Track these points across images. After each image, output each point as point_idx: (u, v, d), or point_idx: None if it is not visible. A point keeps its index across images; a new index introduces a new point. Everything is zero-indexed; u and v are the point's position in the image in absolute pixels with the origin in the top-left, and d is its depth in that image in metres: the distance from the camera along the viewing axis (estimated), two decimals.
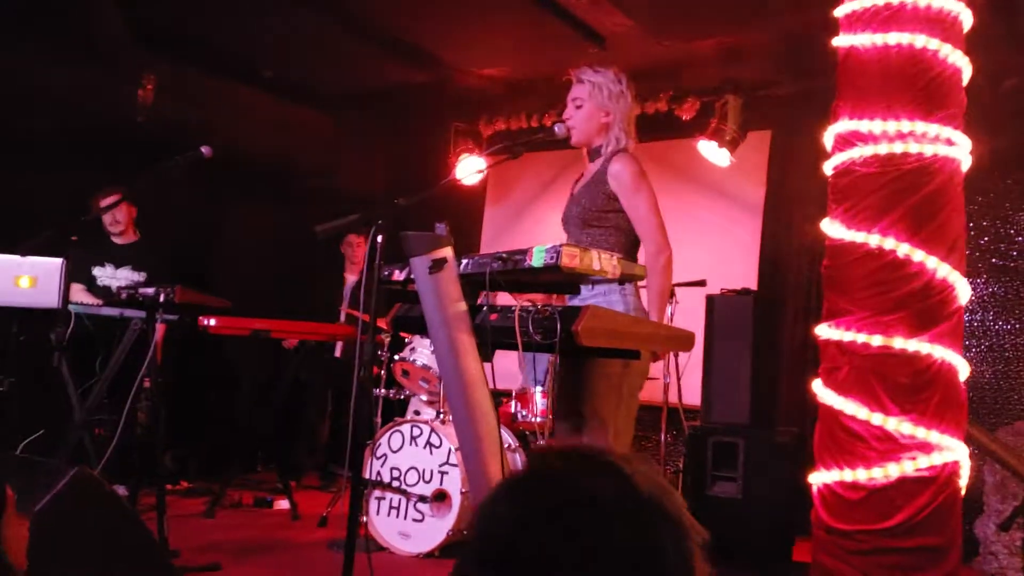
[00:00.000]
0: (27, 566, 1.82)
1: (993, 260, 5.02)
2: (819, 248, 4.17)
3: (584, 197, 3.03)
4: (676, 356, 5.00)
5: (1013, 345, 4.96)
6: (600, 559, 0.89)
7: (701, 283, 4.90)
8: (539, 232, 6.17)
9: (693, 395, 5.04)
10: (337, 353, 6.01)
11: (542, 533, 0.91)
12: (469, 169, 5.74)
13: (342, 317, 5.97)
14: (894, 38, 2.51)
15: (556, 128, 3.09)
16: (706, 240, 5.71)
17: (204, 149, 3.79)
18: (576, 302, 2.97)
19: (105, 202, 4.86)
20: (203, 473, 5.89)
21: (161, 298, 3.87)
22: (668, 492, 0.96)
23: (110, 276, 5.02)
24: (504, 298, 2.72)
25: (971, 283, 2.64)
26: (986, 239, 5.03)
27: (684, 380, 4.99)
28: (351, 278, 6.14)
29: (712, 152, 5.53)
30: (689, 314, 4.76)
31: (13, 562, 1.78)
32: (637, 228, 2.97)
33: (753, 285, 5.47)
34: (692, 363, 4.86)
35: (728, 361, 4.74)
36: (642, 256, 3.01)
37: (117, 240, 5.10)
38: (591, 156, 3.14)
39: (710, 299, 4.86)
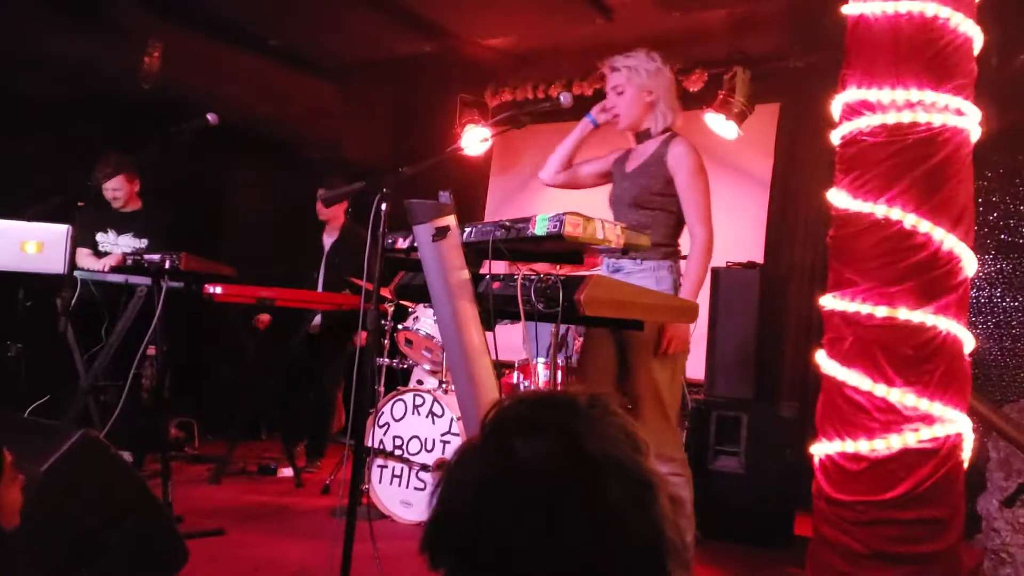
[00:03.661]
0: (19, 523, 1.85)
1: (1002, 236, 4.98)
2: (826, 223, 4.15)
3: (640, 178, 3.05)
4: None
5: (1020, 322, 4.93)
6: (551, 532, 0.85)
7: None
8: (543, 203, 6.14)
9: (697, 369, 5.03)
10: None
11: (485, 514, 0.88)
12: (474, 139, 5.71)
13: (319, 285, 5.67)
14: (904, 6, 2.47)
15: (562, 98, 3.07)
16: (712, 213, 5.67)
17: (210, 116, 3.78)
18: (621, 276, 3.01)
19: (103, 176, 4.85)
20: (208, 440, 5.93)
21: (167, 264, 3.88)
22: (622, 447, 0.90)
23: (112, 243, 5.00)
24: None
25: (979, 259, 2.63)
26: (995, 215, 4.99)
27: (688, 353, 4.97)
28: (329, 240, 5.75)
29: (719, 124, 5.48)
30: None
31: (3, 524, 1.81)
32: (689, 214, 2.99)
33: (759, 259, 5.45)
34: (696, 337, 4.84)
35: (733, 335, 4.73)
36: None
37: (120, 207, 5.09)
38: (640, 138, 3.15)
39: (715, 272, 4.84)
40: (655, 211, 3.00)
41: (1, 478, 1.80)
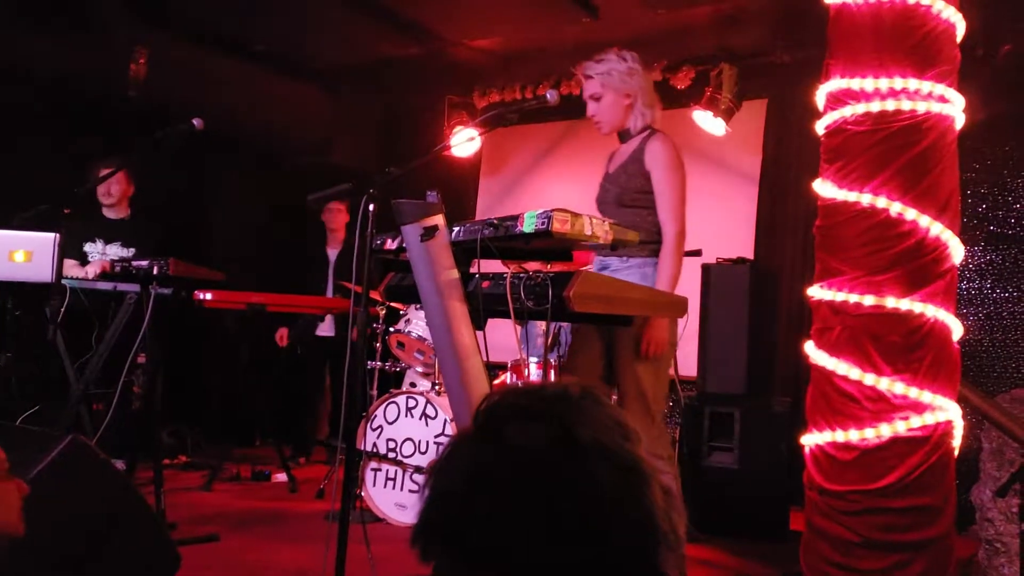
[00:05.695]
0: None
1: (991, 228, 5.00)
2: (815, 217, 4.16)
3: (621, 177, 3.08)
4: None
5: (1011, 313, 4.95)
6: (542, 518, 0.84)
7: (697, 253, 4.86)
8: (534, 203, 6.08)
9: (689, 366, 5.03)
10: (331, 332, 5.88)
11: (477, 501, 0.86)
12: (463, 140, 5.71)
13: (328, 294, 5.86)
14: None
15: (548, 95, 3.07)
16: (701, 209, 5.65)
17: (196, 121, 3.76)
18: (608, 274, 3.03)
19: (103, 173, 4.82)
20: (201, 447, 5.91)
21: (155, 271, 3.86)
22: (613, 435, 0.90)
23: (99, 252, 4.97)
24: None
25: (969, 251, 2.63)
26: (984, 206, 5.01)
27: (680, 350, 4.97)
28: (334, 252, 5.99)
29: (707, 121, 5.49)
30: (685, 284, 4.74)
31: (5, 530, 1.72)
32: (660, 209, 3.00)
33: (749, 254, 5.46)
34: (688, 333, 4.84)
35: (724, 331, 4.73)
36: None
37: (108, 214, 5.05)
38: (622, 137, 3.18)
39: (706, 268, 4.85)
40: (638, 209, 3.01)
41: None
